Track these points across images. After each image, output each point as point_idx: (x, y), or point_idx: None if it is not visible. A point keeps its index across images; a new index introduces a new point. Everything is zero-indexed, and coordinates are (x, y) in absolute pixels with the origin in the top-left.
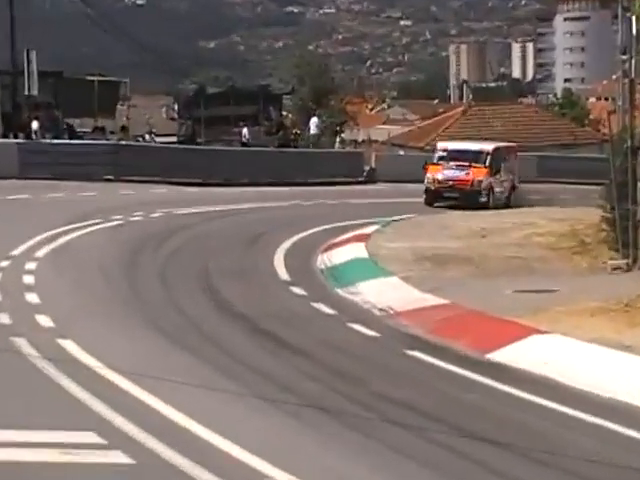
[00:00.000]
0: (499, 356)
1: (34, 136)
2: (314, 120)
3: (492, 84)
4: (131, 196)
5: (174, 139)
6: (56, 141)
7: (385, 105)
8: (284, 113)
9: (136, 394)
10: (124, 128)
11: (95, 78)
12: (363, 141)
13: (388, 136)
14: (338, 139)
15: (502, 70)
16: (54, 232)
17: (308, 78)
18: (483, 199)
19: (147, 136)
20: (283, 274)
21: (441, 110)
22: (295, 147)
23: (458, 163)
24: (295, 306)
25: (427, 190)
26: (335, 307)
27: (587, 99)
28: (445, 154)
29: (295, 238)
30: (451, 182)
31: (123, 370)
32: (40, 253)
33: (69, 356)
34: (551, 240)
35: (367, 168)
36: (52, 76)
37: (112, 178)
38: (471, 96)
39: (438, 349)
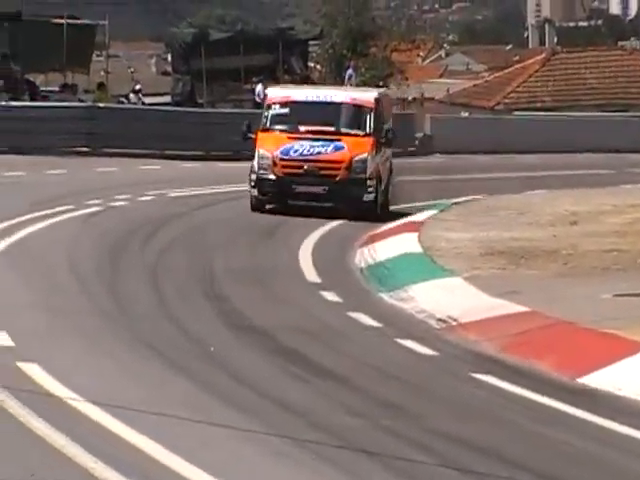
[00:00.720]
0: (596, 380)
1: None
2: (350, 73)
3: (583, 23)
4: (112, 174)
5: (167, 99)
6: (13, 103)
7: (442, 53)
8: (310, 64)
9: (121, 433)
10: (102, 86)
11: (64, 21)
12: (414, 99)
13: (447, 93)
14: None
15: (596, 4)
16: (11, 223)
17: (342, 18)
18: (369, 196)
19: (132, 96)
20: (311, 275)
21: (516, 58)
22: None
23: (316, 128)
24: (327, 317)
25: (259, 181)
26: (380, 318)
27: None
28: (287, 111)
29: (326, 227)
30: (308, 165)
31: (105, 402)
32: None
33: (34, 385)
34: None
35: (420, 135)
36: (7, 19)
37: (87, 151)
38: (556, 39)
39: (515, 372)
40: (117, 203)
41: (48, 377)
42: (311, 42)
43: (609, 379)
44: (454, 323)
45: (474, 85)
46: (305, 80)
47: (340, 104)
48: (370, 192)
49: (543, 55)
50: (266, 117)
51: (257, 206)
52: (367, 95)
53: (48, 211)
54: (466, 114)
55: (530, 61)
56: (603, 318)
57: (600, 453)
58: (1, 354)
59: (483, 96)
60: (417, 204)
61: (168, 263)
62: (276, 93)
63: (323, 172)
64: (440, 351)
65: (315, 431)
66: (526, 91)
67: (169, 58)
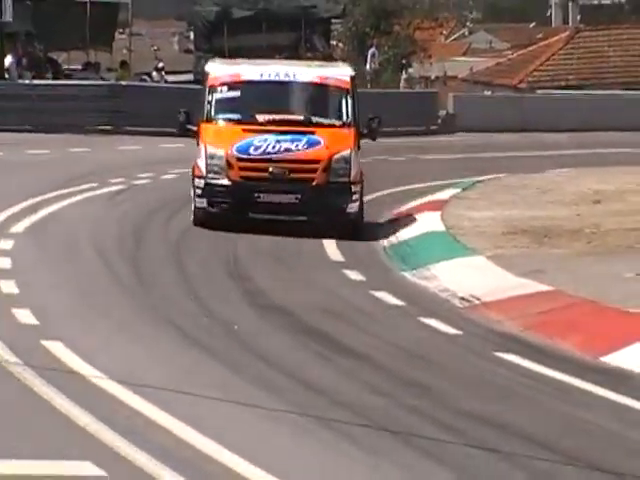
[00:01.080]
0: (619, 359)
1: (7, 75)
2: (372, 51)
3: (607, 1)
4: (135, 153)
5: (190, 77)
6: (36, 82)
7: (466, 31)
8: (333, 43)
9: (145, 412)
10: (124, 64)
11: None
12: (437, 78)
13: (470, 71)
14: (404, 76)
15: None
16: (35, 201)
17: None
18: (353, 206)
19: (155, 74)
20: (334, 254)
21: (539, 36)
22: None
23: (279, 117)
24: (351, 296)
25: (209, 187)
26: (403, 297)
27: None
28: (238, 94)
29: None
30: (274, 166)
31: (128, 381)
32: (17, 228)
33: (58, 363)
34: None
35: (443, 113)
36: None
37: (110, 129)
38: (579, 17)
39: (538, 351)
40: (140, 181)
41: (72, 355)
42: (333, 20)
43: (633, 358)
44: (477, 302)
45: (497, 63)
46: (327, 58)
47: (307, 85)
48: (355, 200)
49: (567, 33)
50: (210, 103)
51: (204, 220)
52: (340, 72)
53: (72, 189)
54: (489, 92)
55: (553, 39)
56: (627, 297)
57: (624, 432)
58: (25, 332)
59: (506, 74)
60: (439, 182)
61: (191, 241)
62: (220, 70)
63: (294, 175)
64: (463, 330)
65: (339, 410)
66: (549, 69)
67: (192, 36)
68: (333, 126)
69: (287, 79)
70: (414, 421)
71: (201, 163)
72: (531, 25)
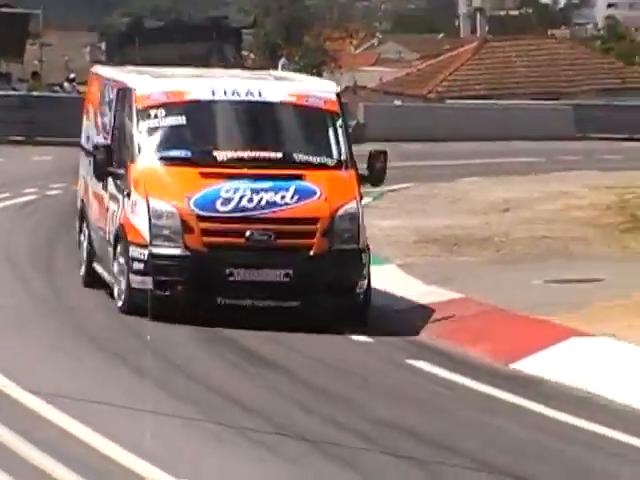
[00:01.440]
0: (527, 366)
1: None
2: (283, 62)
3: (514, 12)
4: (48, 163)
5: None
6: None
7: (375, 41)
8: (244, 53)
9: (58, 422)
10: (36, 74)
11: None
12: (347, 88)
13: (380, 81)
14: None
15: None
16: None
17: (275, 7)
18: (363, 284)
19: (66, 84)
20: None
21: (447, 47)
22: None
23: (250, 154)
24: None
25: (155, 260)
26: None
27: (637, 29)
28: (183, 121)
29: None
30: (253, 228)
31: (41, 391)
32: None
33: None
34: (593, 214)
35: (353, 123)
36: None
37: (22, 140)
38: (487, 28)
39: (448, 358)
40: (53, 192)
41: None
42: (245, 31)
43: (541, 365)
44: (388, 310)
45: (407, 74)
46: (239, 68)
47: (282, 106)
48: (364, 276)
49: (474, 44)
50: (141, 134)
51: (142, 305)
52: (322, 88)
53: None
54: (399, 102)
55: (462, 49)
56: (535, 304)
57: (531, 437)
58: None
59: (416, 84)
60: None
61: None
62: (152, 86)
63: (283, 242)
64: (375, 338)
65: (252, 418)
66: (458, 79)
67: (103, 47)
68: (326, 167)
69: (251, 98)
70: (328, 430)
71: (140, 224)
72: (439, 36)
